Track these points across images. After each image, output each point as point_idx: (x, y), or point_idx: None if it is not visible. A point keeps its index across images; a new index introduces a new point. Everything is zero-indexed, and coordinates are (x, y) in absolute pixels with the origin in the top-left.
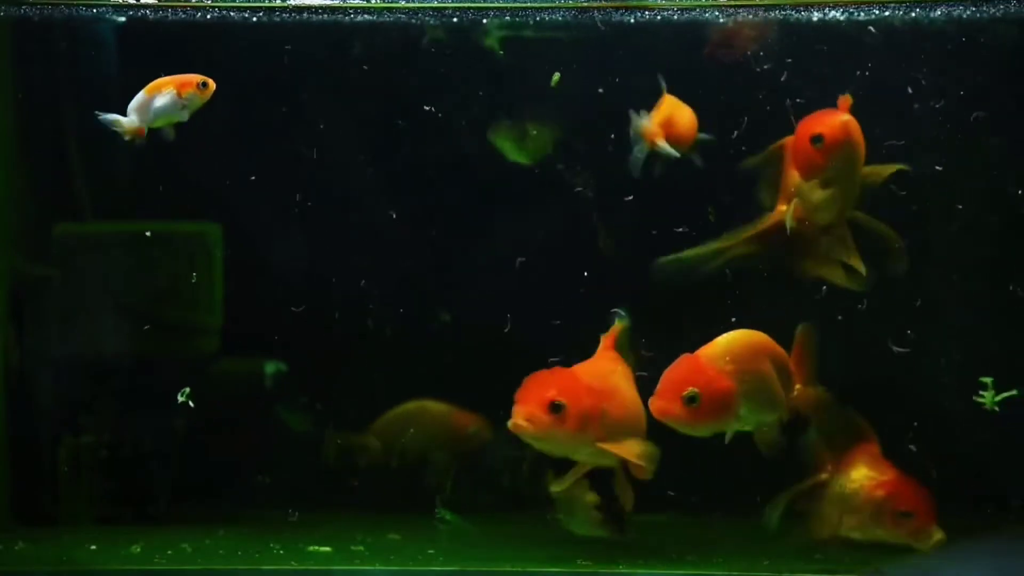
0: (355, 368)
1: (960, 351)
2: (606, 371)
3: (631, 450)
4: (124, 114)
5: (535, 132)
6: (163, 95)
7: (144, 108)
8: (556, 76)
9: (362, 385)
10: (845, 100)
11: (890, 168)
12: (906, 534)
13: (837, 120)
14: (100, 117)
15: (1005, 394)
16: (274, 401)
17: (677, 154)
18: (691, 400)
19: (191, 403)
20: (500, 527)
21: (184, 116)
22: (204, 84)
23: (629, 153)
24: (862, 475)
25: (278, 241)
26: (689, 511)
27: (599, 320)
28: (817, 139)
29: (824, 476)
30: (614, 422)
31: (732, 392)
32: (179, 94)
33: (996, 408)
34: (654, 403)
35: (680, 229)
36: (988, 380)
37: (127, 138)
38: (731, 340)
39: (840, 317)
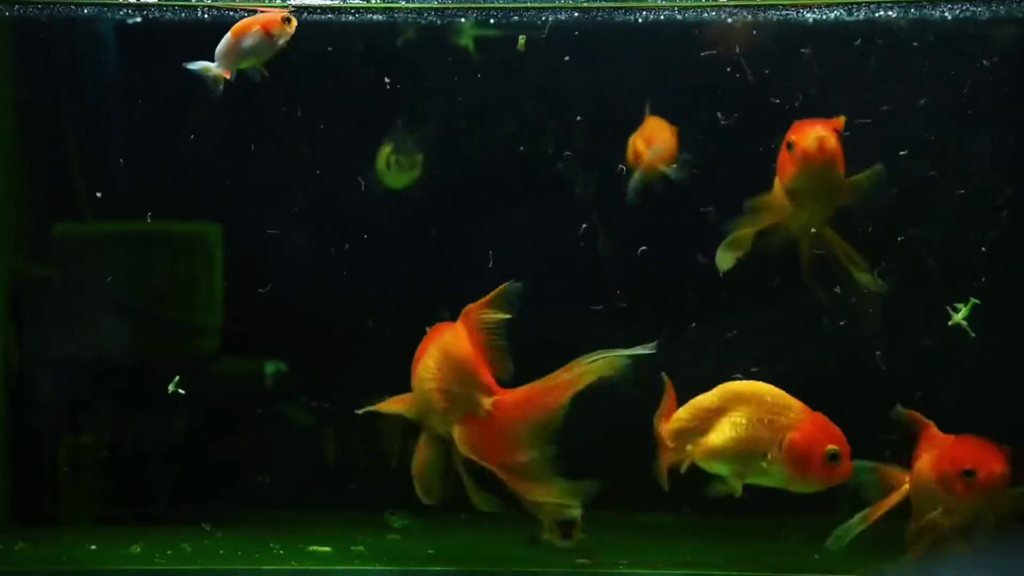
0: (355, 367)
1: (957, 350)
2: (433, 335)
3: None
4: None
5: (401, 161)
6: (251, 35)
7: (231, 51)
8: (522, 39)
9: (362, 385)
10: (838, 121)
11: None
12: (978, 496)
13: (813, 132)
14: (188, 66)
15: (967, 330)
16: (274, 401)
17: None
18: None
19: (180, 391)
20: (500, 527)
21: (271, 53)
22: (288, 19)
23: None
24: (927, 463)
25: (278, 241)
26: (689, 511)
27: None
28: (790, 145)
29: (904, 489)
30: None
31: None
32: (266, 32)
33: (965, 324)
34: None
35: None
36: (973, 302)
37: (214, 85)
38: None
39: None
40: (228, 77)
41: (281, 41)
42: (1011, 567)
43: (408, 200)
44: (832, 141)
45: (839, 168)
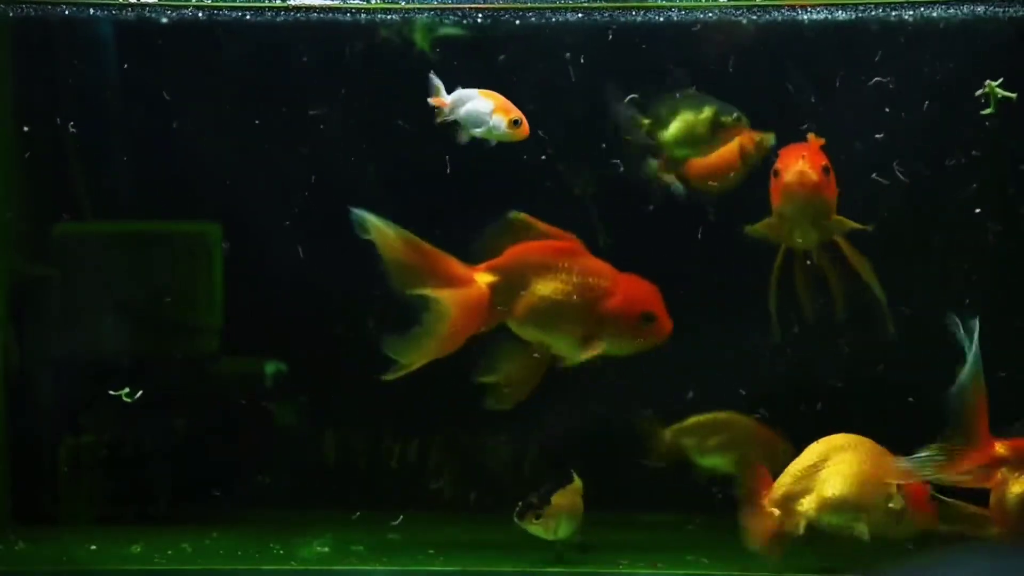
0: (355, 367)
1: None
2: None
3: None
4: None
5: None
6: (476, 103)
7: (458, 102)
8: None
9: (362, 385)
10: (817, 144)
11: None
12: None
13: (793, 163)
14: (432, 77)
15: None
16: (274, 401)
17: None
18: None
19: (130, 399)
20: (500, 527)
21: (476, 135)
22: (517, 122)
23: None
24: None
25: (278, 241)
26: (689, 511)
27: None
28: (775, 172)
29: (1005, 474)
30: None
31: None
32: (494, 114)
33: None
34: None
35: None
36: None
37: (431, 102)
38: None
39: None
40: (439, 106)
41: (491, 132)
42: (1011, 567)
43: (409, 200)
44: (812, 176)
45: (824, 196)
